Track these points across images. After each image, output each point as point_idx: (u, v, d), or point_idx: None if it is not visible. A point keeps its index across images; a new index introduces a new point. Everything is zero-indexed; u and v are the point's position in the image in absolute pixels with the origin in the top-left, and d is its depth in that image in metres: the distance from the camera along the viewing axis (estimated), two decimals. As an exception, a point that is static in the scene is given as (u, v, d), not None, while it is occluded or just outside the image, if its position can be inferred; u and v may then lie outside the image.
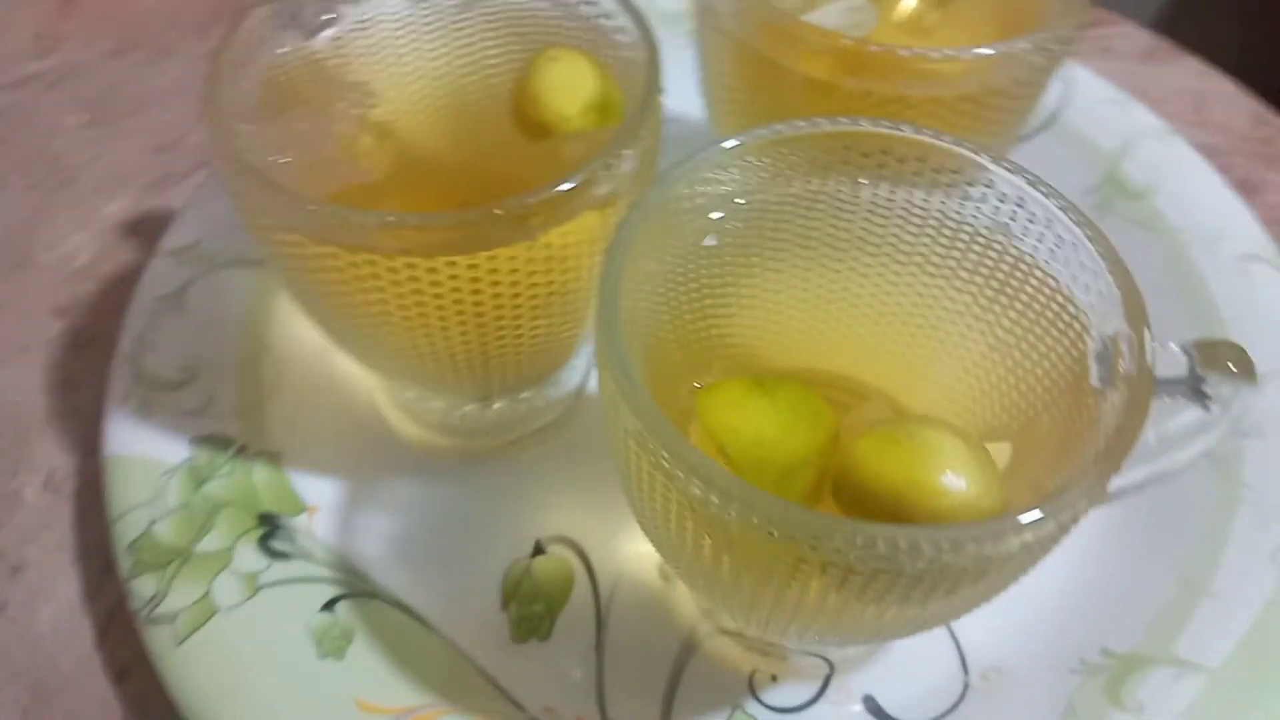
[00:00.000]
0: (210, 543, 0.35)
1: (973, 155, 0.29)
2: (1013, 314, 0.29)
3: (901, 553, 0.22)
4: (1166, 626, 0.34)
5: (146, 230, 0.47)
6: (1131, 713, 0.32)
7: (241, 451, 0.37)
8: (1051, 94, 0.46)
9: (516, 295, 0.30)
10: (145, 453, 0.37)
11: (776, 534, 0.22)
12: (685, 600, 0.36)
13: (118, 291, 0.44)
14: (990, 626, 0.35)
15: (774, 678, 0.34)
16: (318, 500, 0.37)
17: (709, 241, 0.30)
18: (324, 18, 0.34)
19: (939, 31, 0.39)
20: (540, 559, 0.37)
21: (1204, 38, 0.61)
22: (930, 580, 0.23)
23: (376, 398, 0.40)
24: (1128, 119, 0.49)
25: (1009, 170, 0.28)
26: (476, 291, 0.29)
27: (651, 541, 0.30)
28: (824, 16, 0.36)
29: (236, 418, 0.38)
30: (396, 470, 0.38)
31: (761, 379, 0.26)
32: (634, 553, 0.37)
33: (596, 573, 0.36)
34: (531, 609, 0.36)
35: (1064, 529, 0.24)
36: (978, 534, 0.22)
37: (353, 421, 0.39)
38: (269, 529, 0.35)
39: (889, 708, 0.34)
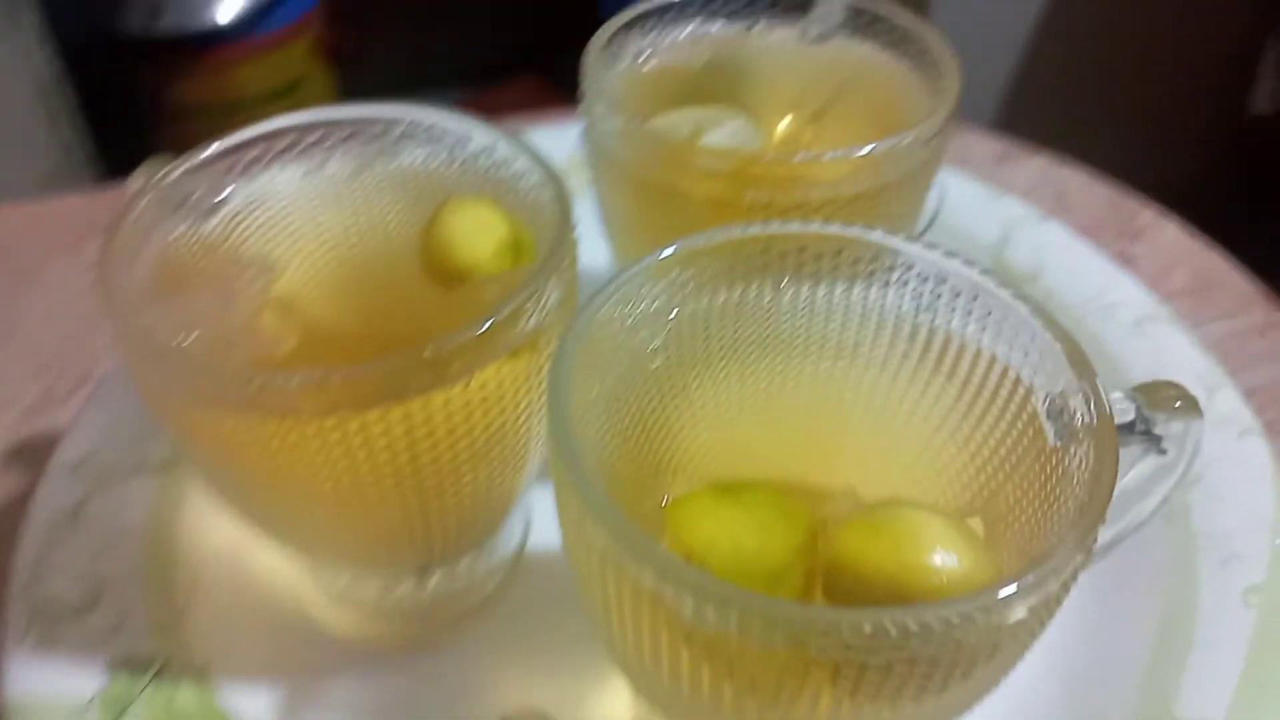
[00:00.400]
0: (138, 779, 0.31)
1: (886, 241, 0.29)
2: (954, 390, 0.29)
3: (914, 636, 0.20)
4: (1161, 687, 0.33)
5: (32, 453, 0.44)
6: (1151, 783, 0.30)
7: (163, 671, 0.34)
8: (929, 198, 0.48)
9: (454, 444, 0.28)
10: (52, 691, 0.33)
11: (782, 637, 0.20)
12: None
13: (6, 520, 0.41)
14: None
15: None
16: (252, 716, 0.33)
17: (646, 360, 0.29)
18: (214, 200, 0.33)
19: (818, 145, 0.41)
20: (509, 735, 0.34)
21: (1041, 137, 0.65)
22: (944, 664, 0.22)
23: (304, 594, 0.37)
24: (1002, 211, 0.51)
25: (924, 249, 0.29)
26: (411, 444, 0.27)
27: (637, 687, 0.28)
28: (712, 141, 0.37)
29: (153, 635, 0.35)
30: (334, 670, 0.35)
31: (728, 486, 0.25)
32: (616, 714, 0.34)
33: (571, 740, 0.34)
34: (506, 791, 0.33)
35: (1065, 588, 0.23)
36: (985, 604, 0.21)
37: (281, 623, 0.36)
38: (202, 753, 0.32)
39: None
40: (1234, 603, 0.34)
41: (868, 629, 0.20)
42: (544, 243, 0.30)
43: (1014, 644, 0.23)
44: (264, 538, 0.34)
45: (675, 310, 0.29)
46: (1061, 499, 0.25)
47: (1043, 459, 0.27)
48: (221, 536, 0.37)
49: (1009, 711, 0.33)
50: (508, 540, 0.38)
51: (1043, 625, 0.23)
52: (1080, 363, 0.26)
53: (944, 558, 0.23)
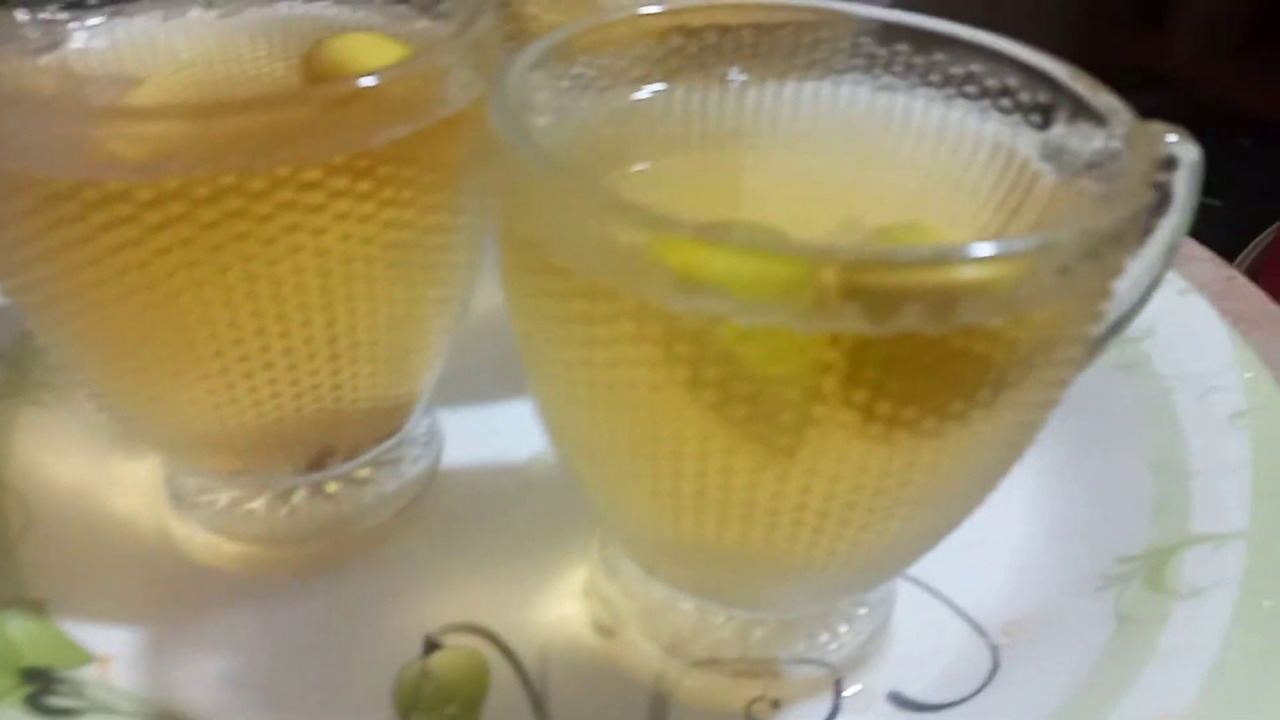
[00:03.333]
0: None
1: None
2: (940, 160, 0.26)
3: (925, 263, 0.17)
4: (1170, 513, 0.30)
5: None
6: (1189, 596, 0.27)
7: (-11, 610, 0.26)
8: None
9: (368, 239, 0.23)
10: None
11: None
12: (639, 645, 0.28)
13: None
14: (985, 585, 0.30)
15: (775, 704, 0.27)
16: (111, 649, 0.26)
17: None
18: (58, 34, 0.28)
19: None
20: (438, 655, 0.28)
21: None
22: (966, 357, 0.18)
23: (171, 524, 0.30)
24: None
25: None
26: (318, 232, 0.22)
27: (587, 478, 0.23)
28: None
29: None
30: (216, 601, 0.29)
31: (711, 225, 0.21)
32: (557, 615, 0.29)
33: (516, 652, 0.28)
34: (443, 714, 0.26)
35: (1092, 264, 0.19)
36: (1019, 248, 0.18)
37: (144, 556, 0.29)
38: (39, 685, 0.24)
39: (922, 696, 0.27)
40: (1223, 429, 0.32)
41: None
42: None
43: (1045, 352, 0.20)
44: (116, 438, 0.28)
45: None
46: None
47: (1047, 196, 0.24)
48: (63, 469, 0.31)
49: (1005, 571, 0.30)
50: (416, 454, 0.32)
51: (1072, 330, 0.20)
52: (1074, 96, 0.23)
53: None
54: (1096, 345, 0.27)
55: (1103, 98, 0.23)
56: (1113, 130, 0.22)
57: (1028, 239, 0.18)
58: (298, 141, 0.21)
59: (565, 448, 0.24)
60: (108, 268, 0.22)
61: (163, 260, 0.22)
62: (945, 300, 0.18)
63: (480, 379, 0.36)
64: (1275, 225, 1.03)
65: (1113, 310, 0.24)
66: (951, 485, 0.22)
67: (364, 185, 0.22)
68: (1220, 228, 0.70)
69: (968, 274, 0.18)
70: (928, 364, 0.19)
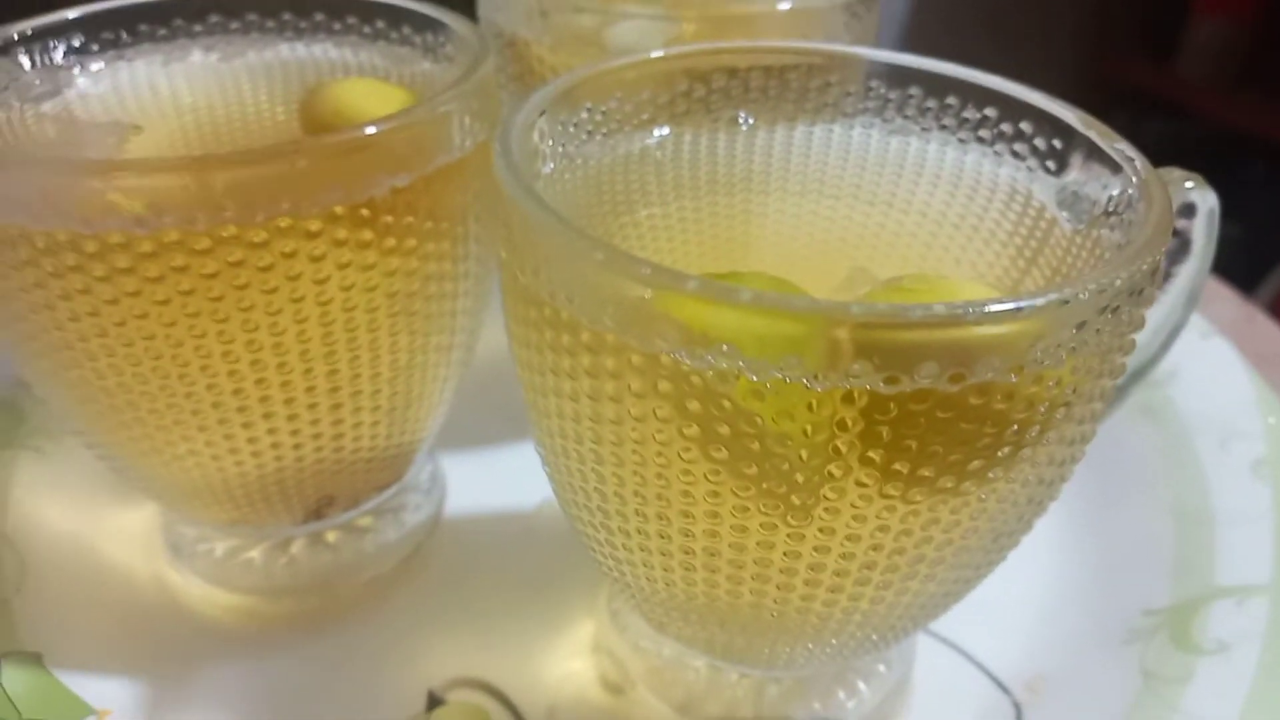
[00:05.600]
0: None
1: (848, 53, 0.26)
2: (956, 205, 0.26)
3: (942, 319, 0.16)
4: (1195, 564, 0.29)
5: None
6: (1216, 652, 0.26)
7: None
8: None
9: (371, 288, 0.23)
10: None
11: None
12: (649, 703, 0.27)
13: None
14: (1007, 640, 0.29)
15: (791, 763, 0.26)
16: (109, 703, 0.26)
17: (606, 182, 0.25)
18: (58, 80, 0.27)
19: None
20: (441, 711, 0.27)
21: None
22: (982, 413, 0.17)
23: (168, 576, 0.30)
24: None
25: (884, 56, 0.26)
26: (320, 282, 0.22)
27: (593, 535, 0.23)
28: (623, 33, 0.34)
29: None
30: (214, 653, 0.28)
31: (720, 276, 0.21)
32: (564, 672, 0.28)
33: (521, 709, 0.27)
34: (446, 773, 0.26)
35: (1109, 322, 0.19)
36: (1036, 305, 0.17)
37: (141, 607, 0.29)
38: (36, 745, 0.24)
39: (941, 757, 0.26)
40: (1245, 478, 0.31)
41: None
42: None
43: (1063, 406, 0.19)
44: (114, 487, 0.27)
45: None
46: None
47: (1064, 244, 0.23)
48: (58, 516, 0.30)
49: (1028, 625, 0.29)
50: (418, 502, 0.32)
51: (1085, 391, 0.19)
52: (1085, 125, 0.23)
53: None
54: (1118, 394, 0.27)
55: (1117, 145, 0.22)
56: (1128, 177, 0.22)
57: (1044, 295, 0.18)
58: (298, 192, 0.21)
59: (570, 502, 0.24)
60: (106, 320, 0.22)
61: (162, 312, 0.22)
62: (961, 358, 0.17)
63: (484, 425, 0.35)
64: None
65: (1134, 360, 0.24)
66: (972, 543, 0.22)
67: (366, 234, 0.22)
68: (1240, 254, 0.69)
69: (983, 332, 0.17)
70: (944, 421, 0.18)
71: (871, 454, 0.19)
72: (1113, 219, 0.22)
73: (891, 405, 0.18)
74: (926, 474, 0.19)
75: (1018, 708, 0.27)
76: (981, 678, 0.28)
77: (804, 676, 0.27)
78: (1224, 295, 0.44)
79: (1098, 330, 0.18)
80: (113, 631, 0.28)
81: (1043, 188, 0.24)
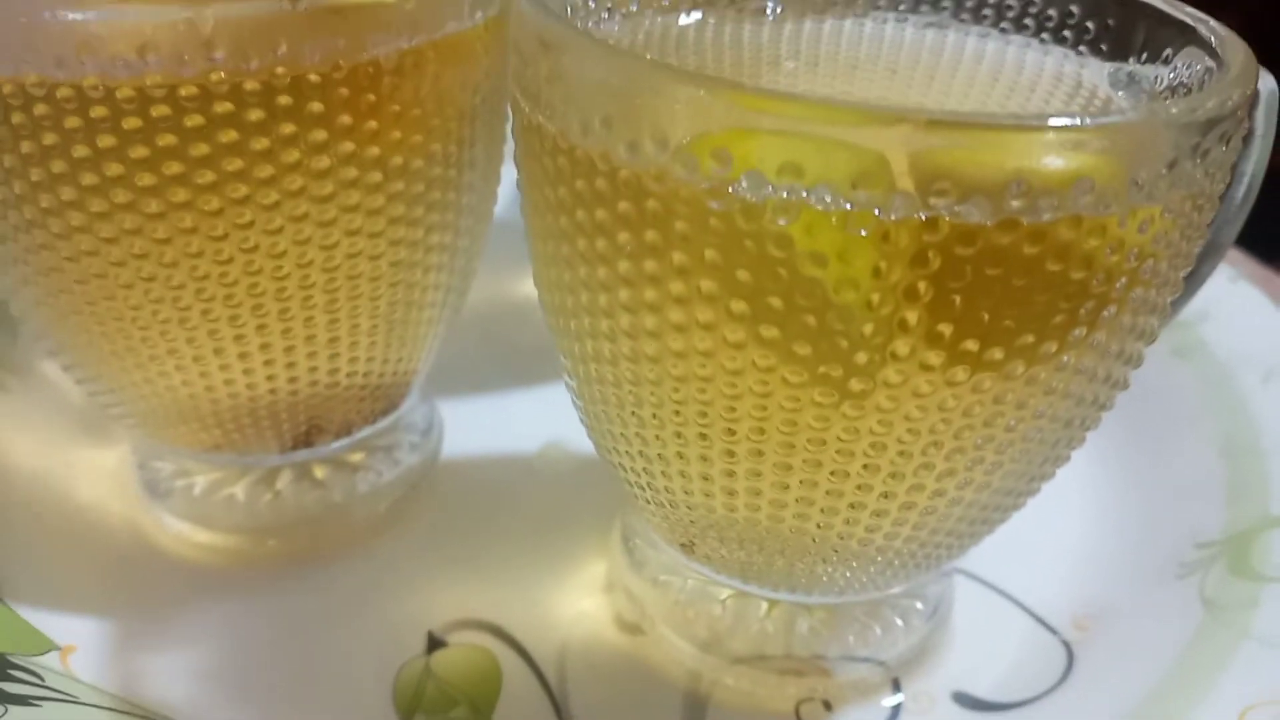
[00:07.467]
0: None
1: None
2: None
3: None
4: (1247, 497, 0.27)
5: None
6: (1278, 579, 0.24)
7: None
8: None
9: (373, 159, 0.21)
10: None
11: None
12: (670, 641, 0.25)
13: None
14: (1048, 579, 0.27)
15: (828, 705, 0.24)
16: (74, 638, 0.23)
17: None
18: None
19: None
20: (441, 653, 0.25)
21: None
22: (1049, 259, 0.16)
23: (142, 515, 0.27)
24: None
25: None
26: (318, 147, 0.20)
27: (623, 444, 0.20)
28: None
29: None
30: (192, 593, 0.26)
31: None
32: (575, 611, 0.26)
33: (531, 651, 0.25)
34: (450, 716, 0.23)
35: (1211, 173, 0.17)
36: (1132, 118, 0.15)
37: (113, 545, 0.27)
38: (-9, 675, 0.21)
39: (991, 696, 0.24)
40: (1292, 405, 0.30)
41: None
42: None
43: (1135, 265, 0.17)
44: (84, 424, 0.25)
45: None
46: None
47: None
48: (24, 448, 0.28)
49: (1088, 552, 0.27)
50: (414, 441, 0.29)
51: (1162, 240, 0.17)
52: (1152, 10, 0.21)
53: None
54: (1171, 311, 0.25)
55: (1186, 9, 0.21)
56: (1202, 38, 0.20)
57: (1139, 110, 0.16)
58: (296, 38, 0.19)
59: (602, 415, 0.22)
60: (86, 195, 0.20)
61: (146, 187, 0.19)
62: (1048, 181, 0.15)
63: (482, 372, 0.33)
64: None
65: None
66: (1028, 432, 0.20)
67: (369, 97, 0.20)
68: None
69: (1076, 149, 0.15)
70: (1020, 290, 0.16)
71: (941, 328, 0.17)
72: (1179, 90, 0.21)
73: (968, 268, 0.16)
74: (997, 355, 0.17)
75: (1068, 646, 0.25)
76: (1025, 618, 0.26)
77: (837, 608, 0.24)
78: (1242, 260, 0.42)
79: (1189, 169, 0.17)
80: (81, 569, 0.25)
81: (1093, 72, 0.23)
